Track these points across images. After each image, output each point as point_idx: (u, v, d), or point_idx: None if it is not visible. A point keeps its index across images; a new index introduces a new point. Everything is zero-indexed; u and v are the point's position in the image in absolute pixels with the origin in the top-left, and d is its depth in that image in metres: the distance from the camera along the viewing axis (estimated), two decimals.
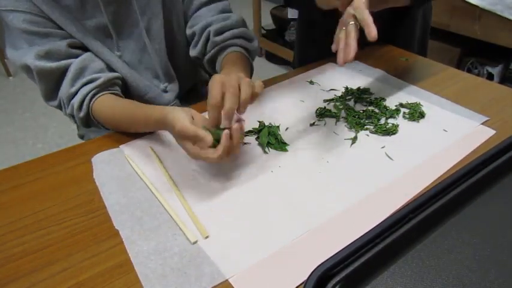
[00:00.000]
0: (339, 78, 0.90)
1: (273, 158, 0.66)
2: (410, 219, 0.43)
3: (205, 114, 0.60)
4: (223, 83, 0.57)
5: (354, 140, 0.70)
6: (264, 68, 2.63)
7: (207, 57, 0.85)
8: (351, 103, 0.81)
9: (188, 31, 0.87)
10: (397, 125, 0.72)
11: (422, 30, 1.08)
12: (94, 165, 0.66)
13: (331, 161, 0.65)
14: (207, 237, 0.52)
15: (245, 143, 0.70)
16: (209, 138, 0.55)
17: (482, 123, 0.72)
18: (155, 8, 0.81)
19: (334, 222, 0.54)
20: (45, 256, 0.51)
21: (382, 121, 0.74)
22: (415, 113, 0.75)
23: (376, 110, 0.78)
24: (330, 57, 1.00)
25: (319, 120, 0.76)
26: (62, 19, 0.72)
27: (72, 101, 0.73)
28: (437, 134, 0.70)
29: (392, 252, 0.41)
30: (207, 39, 0.84)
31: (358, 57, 0.99)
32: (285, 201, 0.57)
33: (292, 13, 2.57)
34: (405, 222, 0.42)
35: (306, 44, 1.15)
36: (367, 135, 0.71)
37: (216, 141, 0.57)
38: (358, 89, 0.85)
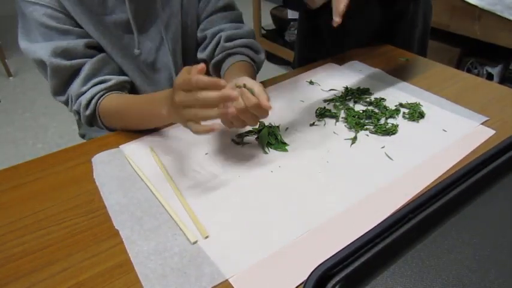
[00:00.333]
0: (339, 78, 0.90)
1: (273, 158, 0.66)
2: (410, 219, 0.43)
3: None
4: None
5: (354, 140, 0.70)
6: (264, 68, 2.62)
7: (213, 61, 0.86)
8: (351, 103, 0.81)
9: (199, 34, 0.88)
10: (397, 125, 0.72)
11: (423, 30, 1.08)
12: (94, 165, 0.66)
13: (331, 161, 0.65)
14: (207, 237, 0.52)
15: (245, 143, 0.70)
16: (223, 82, 0.53)
17: (482, 123, 0.72)
18: (175, 8, 0.82)
19: (334, 222, 0.54)
20: (45, 256, 0.51)
21: (382, 121, 0.74)
22: (415, 113, 0.75)
23: (376, 110, 0.78)
24: (329, 57, 1.00)
25: (319, 120, 0.76)
26: (82, 16, 0.73)
27: (81, 99, 0.74)
28: (437, 134, 0.70)
29: (392, 252, 0.41)
30: (217, 44, 0.85)
31: (358, 57, 0.99)
32: (285, 201, 0.57)
33: (292, 13, 2.57)
34: (405, 222, 0.42)
35: (306, 44, 1.15)
36: (367, 135, 0.71)
37: None
38: (358, 89, 0.85)
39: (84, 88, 0.74)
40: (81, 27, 0.74)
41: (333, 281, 0.37)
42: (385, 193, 0.58)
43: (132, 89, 0.83)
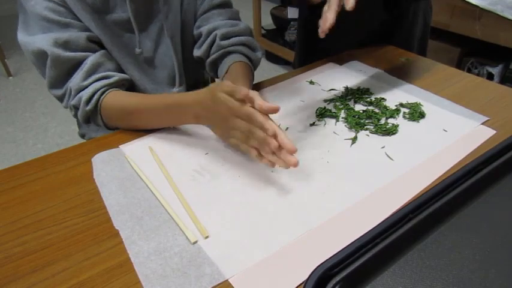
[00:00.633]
0: (339, 78, 0.90)
1: None
2: (410, 219, 0.43)
3: None
4: None
5: (354, 140, 0.70)
6: (264, 68, 2.63)
7: (210, 59, 0.86)
8: (351, 103, 0.81)
9: (195, 31, 0.88)
10: (397, 125, 0.72)
11: (422, 31, 1.08)
12: (94, 165, 0.66)
13: (331, 161, 0.65)
14: (207, 237, 0.52)
15: None
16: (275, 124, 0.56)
17: (482, 123, 0.72)
18: (175, 7, 0.82)
19: (334, 222, 0.54)
20: (45, 256, 0.51)
21: (382, 121, 0.74)
22: (415, 113, 0.75)
23: (376, 110, 0.78)
24: (329, 57, 1.00)
25: (319, 120, 0.76)
26: (83, 13, 0.73)
27: (81, 93, 0.73)
28: (438, 134, 0.70)
29: (393, 252, 0.41)
30: (213, 42, 0.84)
31: (358, 57, 0.99)
32: (285, 201, 0.57)
33: (292, 13, 2.57)
34: (405, 222, 0.42)
35: (306, 44, 1.15)
36: (367, 135, 0.71)
37: None
38: (358, 89, 0.85)
39: (86, 83, 0.72)
40: (81, 22, 0.74)
41: (333, 281, 0.37)
42: (385, 193, 0.58)
43: (131, 86, 0.83)
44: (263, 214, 0.55)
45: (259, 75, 0.88)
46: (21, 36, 0.72)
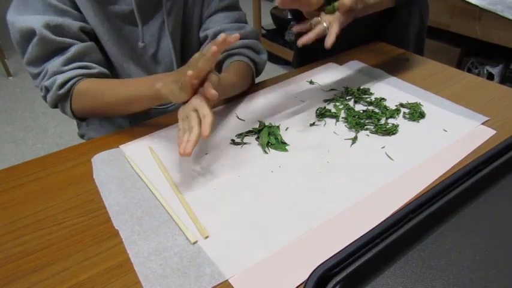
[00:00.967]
0: (339, 78, 0.90)
1: (273, 158, 0.66)
2: (411, 219, 0.43)
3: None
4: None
5: (354, 140, 0.70)
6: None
7: None
8: (351, 103, 0.81)
9: (201, 33, 0.88)
10: (397, 125, 0.72)
11: (419, 30, 1.08)
12: (94, 165, 0.66)
13: (331, 161, 0.65)
14: (207, 237, 0.52)
15: (245, 143, 0.70)
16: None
17: (482, 123, 0.72)
18: (178, 4, 0.82)
19: (334, 222, 0.54)
20: (45, 256, 0.51)
21: (382, 121, 0.74)
22: (415, 113, 0.75)
23: (376, 110, 0.78)
24: (330, 57, 1.00)
25: (319, 120, 0.76)
26: (84, 2, 0.73)
27: (56, 76, 0.72)
28: (438, 134, 0.70)
29: (393, 252, 0.41)
30: None
31: (358, 57, 0.99)
32: (285, 201, 0.57)
33: (292, 13, 2.57)
34: (405, 222, 0.42)
35: (305, 44, 1.15)
36: (367, 135, 0.71)
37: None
38: (358, 88, 0.85)
39: (65, 68, 0.72)
40: (80, 12, 0.74)
41: (333, 281, 0.37)
42: (385, 193, 0.58)
43: None
44: (263, 214, 0.55)
45: (259, 75, 0.88)
46: (11, 16, 0.71)
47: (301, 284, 0.45)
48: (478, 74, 1.87)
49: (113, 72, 0.82)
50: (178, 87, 0.60)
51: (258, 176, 0.62)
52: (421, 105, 0.78)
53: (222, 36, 0.57)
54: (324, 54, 1.01)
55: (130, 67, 0.83)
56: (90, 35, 0.77)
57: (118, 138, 0.73)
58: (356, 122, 0.73)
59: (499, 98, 0.80)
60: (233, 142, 0.70)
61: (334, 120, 0.76)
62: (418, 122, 0.74)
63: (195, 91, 0.62)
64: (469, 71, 1.89)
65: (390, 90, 0.85)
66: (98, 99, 0.73)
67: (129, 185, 0.61)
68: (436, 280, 0.40)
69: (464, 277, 0.40)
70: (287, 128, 0.74)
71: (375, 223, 0.41)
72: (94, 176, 0.63)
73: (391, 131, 0.71)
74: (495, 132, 0.69)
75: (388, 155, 0.66)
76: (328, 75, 0.92)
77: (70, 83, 0.72)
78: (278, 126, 0.73)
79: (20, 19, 0.70)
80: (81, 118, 0.81)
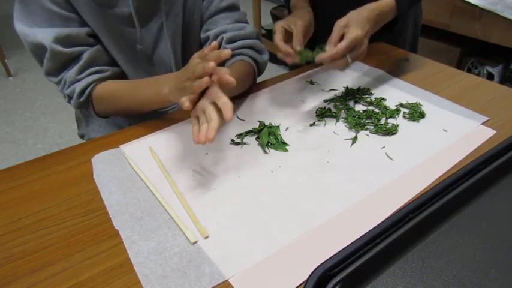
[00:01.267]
0: (339, 78, 0.90)
1: (273, 158, 0.66)
2: (411, 219, 0.43)
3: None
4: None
5: (354, 140, 0.70)
6: None
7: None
8: (351, 103, 0.81)
9: (202, 35, 0.88)
10: (397, 125, 0.72)
11: (413, 32, 1.08)
12: (94, 165, 0.66)
13: (331, 161, 0.65)
14: (207, 237, 0.52)
15: (245, 143, 0.70)
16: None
17: (482, 123, 0.72)
18: (177, 6, 0.83)
19: (334, 222, 0.54)
20: (45, 256, 0.51)
21: (382, 121, 0.74)
22: (415, 113, 0.75)
23: (376, 110, 0.78)
24: None
25: (319, 120, 0.76)
26: (83, 6, 0.73)
27: (75, 85, 0.76)
28: (438, 134, 0.70)
29: (393, 252, 0.41)
30: (220, 45, 0.85)
31: None
32: (285, 201, 0.57)
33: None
34: (405, 222, 0.42)
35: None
36: (367, 135, 0.71)
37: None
38: (359, 88, 0.85)
39: (80, 76, 0.75)
40: (80, 15, 0.74)
41: (333, 281, 0.37)
42: (385, 193, 0.58)
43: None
44: (263, 214, 0.55)
45: (261, 75, 0.88)
46: (21, 27, 0.73)
47: (301, 284, 0.45)
48: (478, 74, 1.87)
49: None
50: (182, 96, 0.62)
51: (258, 176, 0.62)
52: (421, 105, 0.78)
53: (211, 64, 0.57)
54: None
55: (129, 69, 0.83)
56: (96, 37, 0.78)
57: (118, 138, 0.73)
58: (356, 122, 0.73)
59: (499, 98, 0.80)
60: (233, 142, 0.70)
61: (334, 120, 0.76)
62: (418, 122, 0.74)
63: (201, 95, 0.62)
64: (469, 71, 1.89)
65: (390, 90, 0.85)
66: (113, 103, 0.78)
67: (129, 185, 0.61)
68: (436, 280, 0.40)
69: (464, 277, 0.40)
70: (287, 128, 0.74)
71: (375, 223, 0.41)
72: (94, 176, 0.63)
73: (391, 131, 0.71)
74: (495, 132, 0.69)
75: (388, 155, 0.66)
76: (328, 75, 0.92)
77: (88, 90, 0.76)
78: (278, 126, 0.73)
79: (29, 33, 0.72)
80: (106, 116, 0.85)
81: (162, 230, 0.53)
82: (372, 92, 0.84)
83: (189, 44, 0.89)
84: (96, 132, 0.91)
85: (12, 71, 2.74)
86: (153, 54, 0.85)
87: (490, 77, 1.85)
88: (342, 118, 0.76)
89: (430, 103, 0.79)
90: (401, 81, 0.88)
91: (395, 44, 1.05)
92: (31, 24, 0.72)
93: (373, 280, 0.40)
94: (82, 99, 0.76)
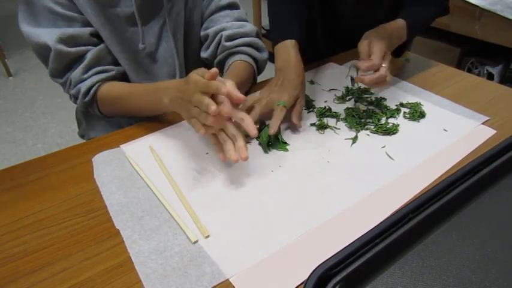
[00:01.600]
0: (339, 78, 0.90)
1: (273, 158, 0.66)
2: (410, 219, 0.43)
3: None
4: None
5: (355, 139, 0.70)
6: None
7: (216, 60, 0.87)
8: (351, 103, 0.81)
9: (202, 32, 0.88)
10: (398, 125, 0.72)
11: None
12: (94, 165, 0.66)
13: (331, 161, 0.65)
14: (207, 236, 0.52)
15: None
16: (242, 97, 0.57)
17: (482, 123, 0.72)
18: (179, 5, 0.83)
19: (334, 222, 0.54)
20: (45, 256, 0.51)
21: (383, 121, 0.74)
22: (416, 113, 0.75)
23: (377, 110, 0.78)
24: (329, 57, 1.00)
25: (319, 120, 0.76)
26: (85, 4, 0.73)
27: (80, 85, 0.76)
28: (438, 134, 0.70)
29: (393, 252, 0.41)
30: (219, 43, 0.85)
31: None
32: (285, 201, 0.57)
33: None
34: (405, 222, 0.42)
35: (306, 44, 1.15)
36: (368, 135, 0.71)
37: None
38: (359, 88, 0.85)
39: (85, 76, 0.76)
40: (83, 15, 0.75)
41: (333, 281, 0.37)
42: (386, 193, 0.58)
43: (126, 80, 0.84)
44: (263, 214, 0.55)
45: (259, 75, 0.88)
46: (26, 27, 0.73)
47: (301, 283, 0.46)
48: (478, 74, 1.87)
49: None
50: (182, 107, 0.62)
51: (258, 176, 0.62)
52: (421, 105, 0.78)
53: (213, 108, 0.55)
54: (325, 54, 1.01)
55: (131, 68, 0.83)
56: (100, 37, 0.78)
57: (118, 138, 0.73)
58: (356, 122, 0.73)
59: (499, 98, 0.80)
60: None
61: (334, 120, 0.76)
62: (418, 121, 0.74)
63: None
64: (469, 71, 1.89)
65: (390, 90, 0.85)
66: (113, 108, 0.79)
67: (129, 184, 0.61)
68: (436, 280, 0.40)
69: (464, 277, 0.40)
70: (287, 128, 0.74)
71: (375, 223, 0.41)
72: (95, 176, 0.63)
73: (392, 131, 0.71)
74: (495, 132, 0.69)
75: (388, 155, 0.66)
76: (328, 75, 0.92)
77: (93, 89, 0.76)
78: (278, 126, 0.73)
79: (33, 34, 0.72)
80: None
81: (163, 230, 0.53)
82: (372, 91, 0.84)
83: (189, 42, 0.89)
84: (96, 132, 0.91)
85: (12, 71, 2.73)
86: (156, 52, 0.85)
87: (490, 77, 1.85)
88: (342, 118, 0.76)
89: (430, 103, 0.79)
90: (401, 81, 0.88)
91: None
92: (35, 25, 0.73)
93: (373, 280, 0.40)
94: (87, 99, 0.76)
